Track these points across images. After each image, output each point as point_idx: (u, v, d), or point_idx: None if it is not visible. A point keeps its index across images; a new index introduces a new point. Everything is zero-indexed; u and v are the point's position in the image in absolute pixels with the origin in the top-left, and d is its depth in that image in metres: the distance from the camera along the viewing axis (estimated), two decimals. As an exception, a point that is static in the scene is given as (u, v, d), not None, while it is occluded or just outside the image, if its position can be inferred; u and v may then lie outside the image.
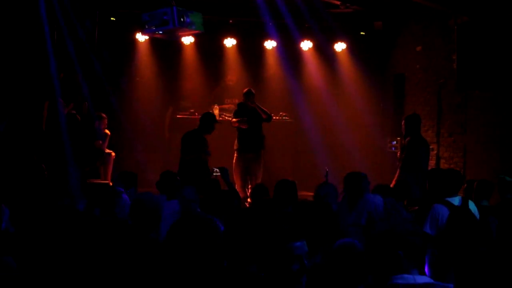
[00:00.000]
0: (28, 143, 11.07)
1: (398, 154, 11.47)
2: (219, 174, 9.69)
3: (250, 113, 12.84)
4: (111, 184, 11.27)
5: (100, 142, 12.61)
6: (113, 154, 13.10)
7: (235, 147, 12.94)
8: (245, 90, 13.23)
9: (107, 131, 13.06)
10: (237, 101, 14.52)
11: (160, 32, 10.23)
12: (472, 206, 7.47)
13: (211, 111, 15.03)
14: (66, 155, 11.67)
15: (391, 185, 9.72)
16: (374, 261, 3.88)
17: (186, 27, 10.09)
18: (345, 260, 4.45)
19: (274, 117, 13.75)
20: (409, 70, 14.90)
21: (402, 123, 11.36)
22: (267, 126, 13.24)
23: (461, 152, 12.90)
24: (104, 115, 12.96)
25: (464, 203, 7.44)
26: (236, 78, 16.38)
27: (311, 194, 9.03)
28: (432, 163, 13.31)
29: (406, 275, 3.65)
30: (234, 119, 13.05)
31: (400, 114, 15.08)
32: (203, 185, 8.45)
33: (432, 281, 3.67)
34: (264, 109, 13.07)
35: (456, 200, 7.44)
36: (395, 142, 14.63)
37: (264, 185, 9.14)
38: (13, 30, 10.35)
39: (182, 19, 9.78)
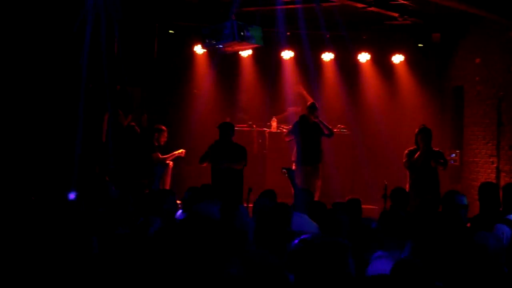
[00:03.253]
0: (89, 155, 11.25)
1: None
2: (286, 175, 9.73)
3: (311, 127, 12.88)
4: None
5: (159, 154, 12.73)
6: (171, 164, 13.19)
7: (293, 159, 12.96)
8: (309, 103, 13.31)
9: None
10: (296, 108, 14.63)
11: (220, 46, 10.29)
12: None
13: (269, 123, 15.13)
14: (125, 167, 11.83)
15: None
16: None
17: (246, 41, 10.14)
18: None
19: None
20: (467, 82, 14.73)
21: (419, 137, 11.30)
22: (325, 139, 13.27)
23: (522, 165, 12.75)
24: (164, 127, 13.06)
25: None
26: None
27: (373, 207, 8.99)
28: (492, 177, 13.16)
29: None
30: (287, 138, 13.21)
31: (459, 126, 14.93)
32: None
33: None
34: (327, 125, 13.12)
35: None
36: (454, 154, 14.48)
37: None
38: (69, 44, 10.54)
39: (242, 33, 9.84)
